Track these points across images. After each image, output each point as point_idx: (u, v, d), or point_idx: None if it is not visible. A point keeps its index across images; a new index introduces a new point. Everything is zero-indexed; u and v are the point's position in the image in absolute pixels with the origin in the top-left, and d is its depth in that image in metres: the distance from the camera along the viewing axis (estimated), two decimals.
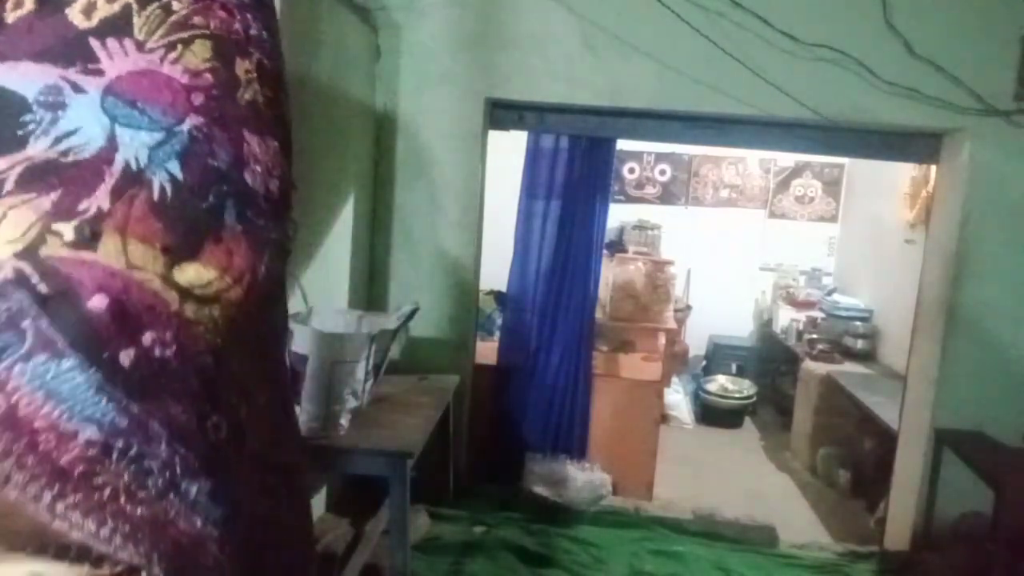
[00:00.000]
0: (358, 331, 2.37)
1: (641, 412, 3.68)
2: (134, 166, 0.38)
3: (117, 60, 0.39)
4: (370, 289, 3.26)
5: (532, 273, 3.50)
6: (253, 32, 0.44)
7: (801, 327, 5.01)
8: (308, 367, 2.11)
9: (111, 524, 0.31)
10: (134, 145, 0.38)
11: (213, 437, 0.37)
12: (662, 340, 3.93)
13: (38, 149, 0.36)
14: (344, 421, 2.21)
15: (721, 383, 5.32)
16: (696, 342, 5.83)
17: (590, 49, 3.05)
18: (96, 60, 0.39)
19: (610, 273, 3.90)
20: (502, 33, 3.09)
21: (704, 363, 5.74)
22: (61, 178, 0.36)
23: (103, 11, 0.39)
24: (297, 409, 2.11)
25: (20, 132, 0.36)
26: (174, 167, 0.39)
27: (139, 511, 0.32)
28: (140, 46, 0.40)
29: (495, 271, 3.66)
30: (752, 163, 5.91)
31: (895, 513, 3.26)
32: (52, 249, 0.34)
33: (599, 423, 3.60)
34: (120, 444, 0.33)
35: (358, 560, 2.47)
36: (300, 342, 2.11)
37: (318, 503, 2.97)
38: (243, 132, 0.43)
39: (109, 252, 0.35)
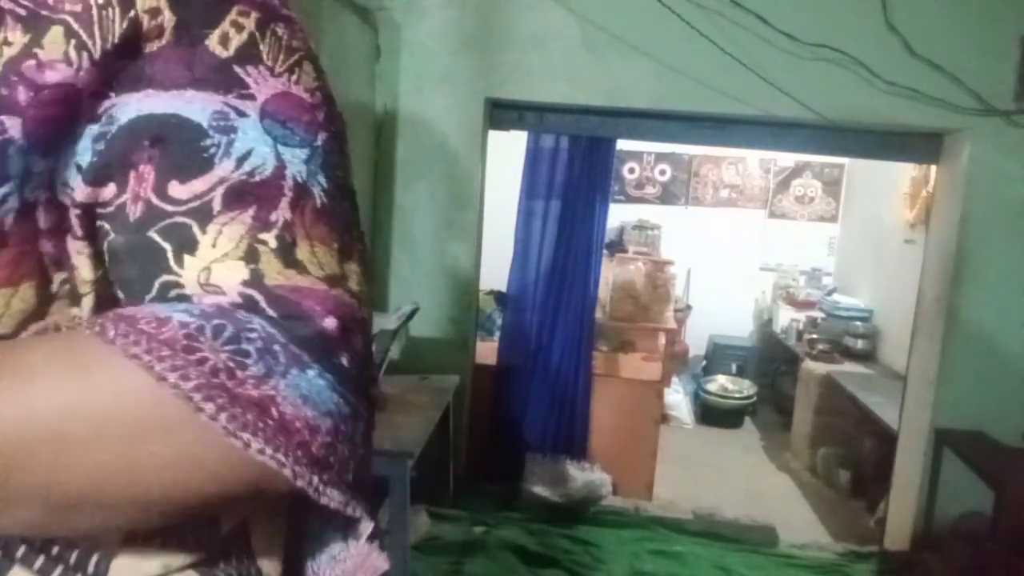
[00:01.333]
0: None
1: (641, 412, 3.68)
2: (300, 179, 0.44)
3: (261, 85, 0.44)
4: (370, 289, 3.26)
5: (532, 273, 3.50)
6: (309, 37, 0.51)
7: (801, 327, 5.01)
8: None
9: (349, 492, 0.40)
10: (295, 161, 0.44)
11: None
12: (662, 340, 3.92)
13: (227, 170, 0.41)
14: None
15: (721, 383, 5.32)
16: (696, 342, 5.83)
17: (590, 49, 3.05)
18: (246, 86, 0.43)
19: (610, 273, 3.90)
20: (502, 33, 3.09)
21: (704, 363, 5.74)
22: (255, 196, 0.42)
23: (236, 40, 0.44)
24: None
25: (205, 155, 0.41)
26: (322, 178, 0.45)
27: (357, 476, 0.42)
28: (271, 71, 0.45)
29: (495, 271, 3.66)
30: (752, 163, 5.91)
31: (895, 513, 3.26)
32: (268, 272, 0.41)
33: (599, 423, 3.60)
34: (345, 428, 0.41)
35: None
36: None
37: None
38: (344, 145, 0.49)
39: (305, 257, 0.43)
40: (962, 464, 2.88)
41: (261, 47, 0.45)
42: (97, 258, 0.43)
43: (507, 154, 3.58)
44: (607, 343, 3.76)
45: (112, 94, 0.41)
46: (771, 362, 5.62)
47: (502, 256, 3.55)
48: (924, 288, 3.23)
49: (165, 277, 0.41)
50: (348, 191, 0.48)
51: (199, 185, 0.41)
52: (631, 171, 5.91)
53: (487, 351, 3.56)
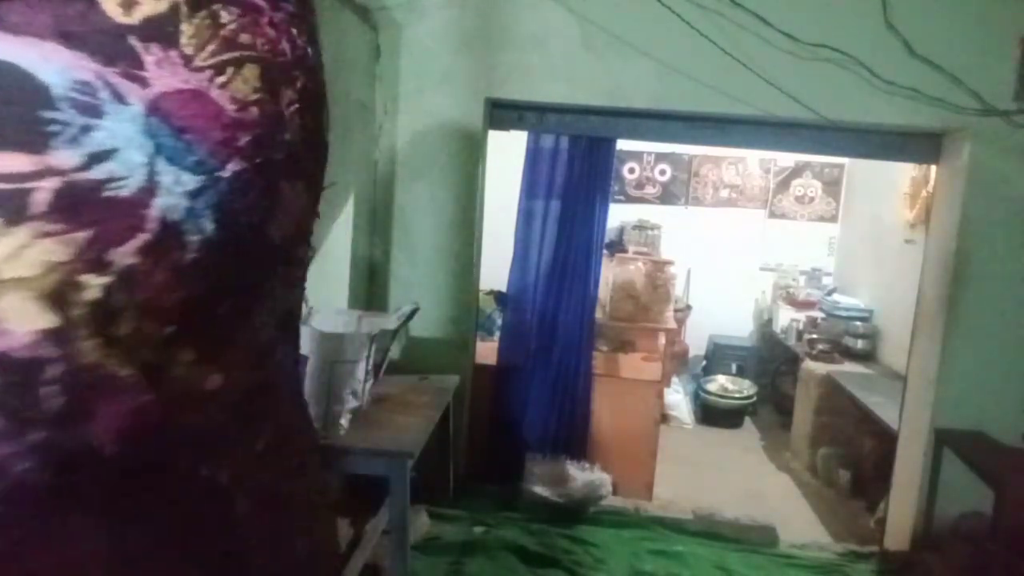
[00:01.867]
0: (358, 331, 2.37)
1: (641, 412, 3.68)
2: (170, 217, 0.29)
3: (165, 71, 0.31)
4: (370, 289, 3.26)
5: (532, 273, 3.50)
6: (299, 50, 0.39)
7: (801, 327, 5.01)
8: (308, 367, 2.11)
9: None
10: (174, 190, 0.30)
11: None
12: (662, 340, 3.93)
13: (66, 162, 0.28)
14: (344, 421, 2.21)
15: (721, 383, 5.32)
16: (696, 342, 5.83)
17: (590, 49, 3.05)
18: (140, 65, 0.31)
19: (610, 273, 3.90)
20: (502, 33, 3.09)
21: (704, 363, 5.74)
22: (97, 215, 0.28)
23: (148, 8, 0.31)
24: None
25: (39, 129, 0.28)
26: (208, 224, 0.30)
27: None
28: (188, 60, 0.32)
29: (495, 271, 3.66)
30: (752, 163, 5.91)
31: (895, 513, 3.26)
32: (75, 335, 0.27)
33: (599, 423, 3.60)
34: None
35: (358, 560, 2.47)
36: (300, 342, 2.10)
37: None
38: (279, 181, 0.36)
39: (127, 332, 0.28)
40: (962, 464, 2.88)
41: (183, 26, 0.33)
42: None
43: (507, 154, 3.58)
44: (607, 343, 3.76)
45: None
46: (771, 362, 5.62)
47: (502, 256, 3.55)
48: (924, 288, 3.23)
49: None
50: (259, 245, 0.31)
51: (17, 163, 0.28)
52: (631, 171, 5.91)
53: (487, 351, 3.56)
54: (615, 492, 3.50)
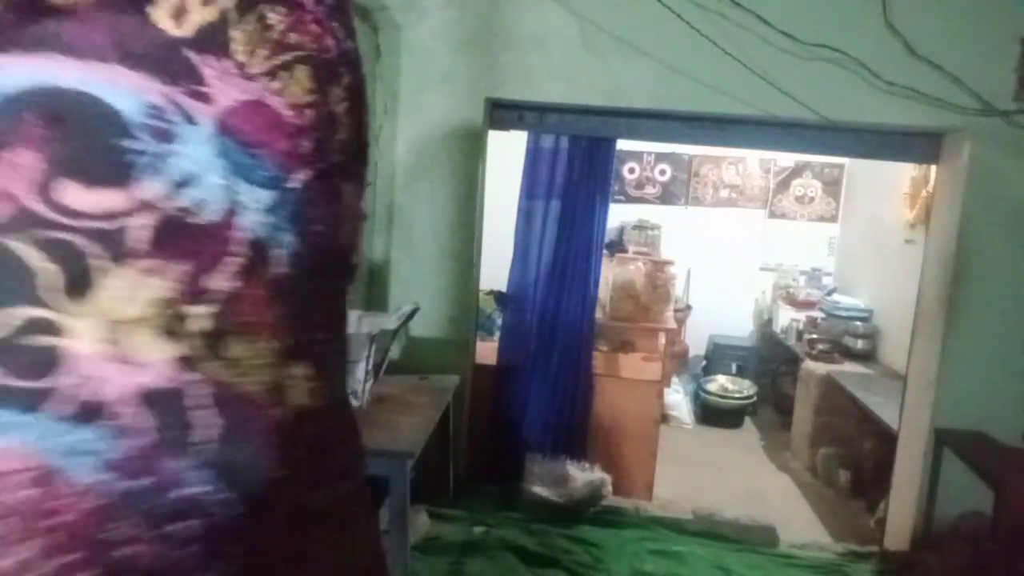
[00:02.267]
0: (358, 331, 2.37)
1: (641, 412, 3.68)
2: (255, 236, 0.31)
3: (225, 84, 0.32)
4: (370, 289, 3.26)
5: (532, 273, 3.50)
6: (342, 44, 0.39)
7: (801, 327, 5.01)
8: None
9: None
10: (253, 208, 0.31)
11: None
12: (662, 340, 3.93)
13: (154, 193, 0.29)
14: None
15: (721, 383, 5.32)
16: (696, 342, 5.83)
17: (590, 49, 3.05)
18: (201, 80, 0.31)
19: (610, 273, 3.90)
20: (502, 33, 3.09)
21: (704, 363, 5.74)
22: (191, 245, 0.30)
23: (198, 17, 0.31)
24: None
25: (123, 160, 0.29)
26: (289, 237, 0.32)
27: None
28: (242, 69, 0.33)
29: (495, 271, 3.66)
30: (752, 163, 5.91)
31: (895, 513, 3.26)
32: (197, 361, 0.29)
33: (599, 423, 3.60)
34: None
35: None
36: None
37: None
38: (340, 185, 0.37)
39: (239, 353, 0.30)
40: (962, 464, 2.88)
41: (232, 32, 0.33)
42: None
43: (507, 154, 3.58)
44: (607, 343, 3.76)
45: None
46: (771, 362, 5.62)
47: (502, 256, 3.55)
48: (924, 288, 3.23)
49: (32, 312, 0.28)
50: (334, 259, 0.35)
51: (112, 200, 0.29)
52: (631, 171, 5.91)
53: (487, 351, 3.56)
54: (615, 492, 3.50)
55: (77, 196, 0.28)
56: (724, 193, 5.95)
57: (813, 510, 3.86)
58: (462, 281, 3.28)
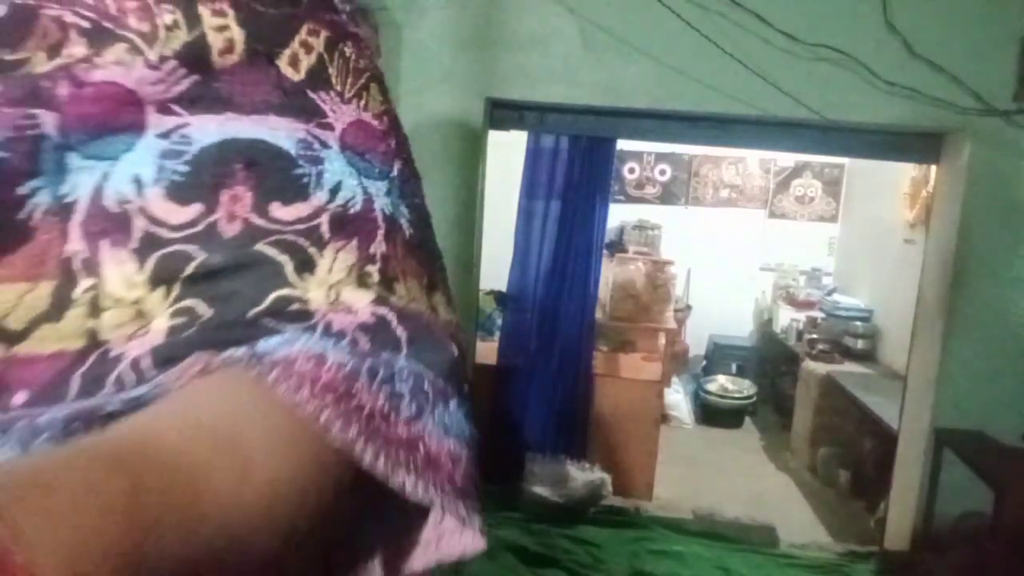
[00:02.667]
0: None
1: (641, 412, 3.68)
2: (387, 212, 0.44)
3: (337, 113, 0.44)
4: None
5: (532, 273, 3.50)
6: (377, 58, 0.49)
7: (801, 327, 5.01)
8: None
9: (476, 503, 0.42)
10: (379, 194, 0.44)
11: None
12: (662, 340, 3.93)
13: (322, 200, 0.42)
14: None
15: (721, 383, 5.32)
16: (696, 342, 5.83)
17: (590, 49, 3.05)
18: (323, 114, 0.43)
19: (610, 273, 3.91)
20: (502, 33, 3.09)
21: (704, 363, 5.74)
22: (355, 228, 0.43)
23: (305, 62, 0.43)
24: None
25: (300, 183, 0.42)
26: (405, 209, 0.46)
27: (463, 481, 0.41)
28: (341, 96, 0.44)
29: (495, 271, 3.66)
30: (752, 163, 5.91)
31: (895, 513, 3.26)
32: (394, 296, 0.43)
33: (599, 423, 3.60)
34: (474, 452, 0.42)
35: None
36: None
37: None
38: (415, 169, 0.49)
39: (402, 292, 0.44)
40: (962, 464, 2.88)
41: (330, 70, 0.44)
42: (135, 270, 0.39)
43: (507, 154, 3.58)
44: (607, 343, 3.76)
45: (184, 112, 0.40)
46: (771, 362, 5.62)
47: (502, 256, 3.55)
48: (924, 288, 3.23)
49: (283, 291, 0.40)
50: (427, 218, 0.49)
51: (303, 209, 0.41)
52: (631, 171, 5.91)
53: (487, 351, 3.57)
54: (615, 492, 3.50)
55: (282, 211, 0.41)
56: (724, 193, 5.95)
57: (813, 510, 3.86)
58: (462, 281, 3.28)
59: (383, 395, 0.37)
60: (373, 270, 0.42)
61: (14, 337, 0.37)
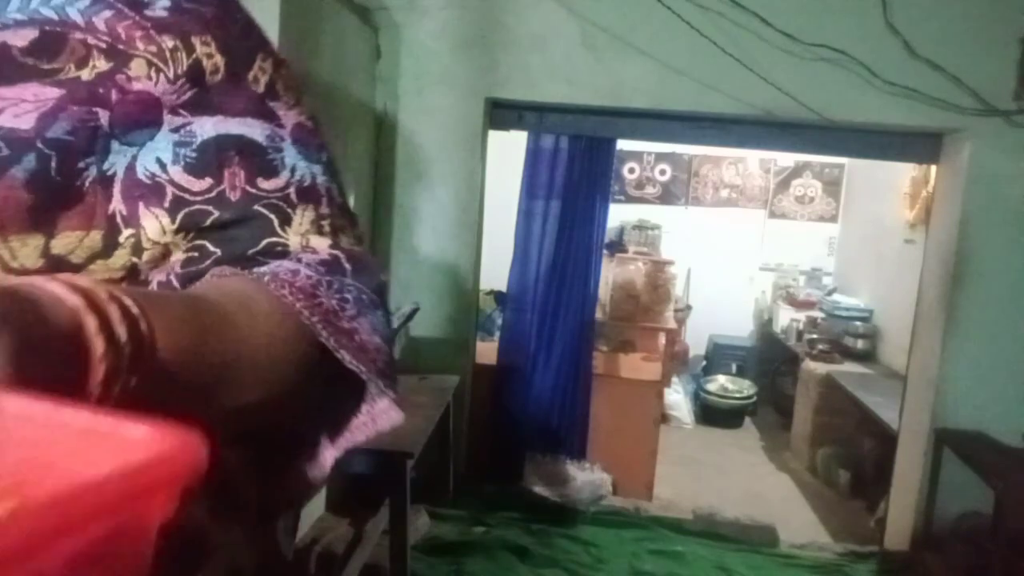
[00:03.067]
0: None
1: (641, 412, 3.68)
2: (325, 186, 0.63)
3: (285, 117, 0.61)
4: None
5: (532, 273, 3.50)
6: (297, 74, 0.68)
7: (801, 327, 5.01)
8: None
9: (393, 387, 0.58)
10: (319, 174, 0.62)
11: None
12: (662, 340, 3.93)
13: (287, 177, 0.60)
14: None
15: (721, 383, 5.32)
16: (696, 342, 5.83)
17: (590, 49, 3.05)
18: (278, 118, 0.61)
19: (610, 273, 3.90)
20: (502, 33, 3.09)
21: (704, 363, 5.74)
22: (310, 196, 0.61)
23: (263, 80, 0.61)
24: None
25: (272, 164, 0.59)
26: (333, 185, 0.64)
27: (383, 364, 0.58)
28: (287, 105, 0.62)
29: (495, 271, 3.66)
30: (752, 163, 5.91)
31: (895, 513, 3.26)
32: (342, 242, 0.62)
33: (599, 423, 3.60)
34: (392, 348, 0.61)
35: (358, 560, 2.47)
36: None
37: (318, 503, 2.97)
38: (332, 153, 0.66)
39: (345, 239, 0.63)
40: (962, 464, 2.88)
41: (278, 87, 0.62)
42: (168, 223, 0.56)
43: (507, 154, 3.58)
44: (607, 343, 3.76)
45: (187, 114, 0.56)
46: (771, 362, 5.62)
47: (502, 256, 3.55)
48: (924, 288, 3.23)
49: (272, 239, 0.58)
50: (345, 190, 0.68)
51: (278, 183, 0.59)
52: (631, 171, 5.91)
53: (487, 351, 3.56)
54: (615, 492, 3.50)
55: (266, 184, 0.58)
56: (724, 193, 5.95)
57: (813, 510, 3.86)
58: (462, 281, 3.28)
59: (335, 299, 0.55)
60: (326, 224, 0.61)
61: (75, 268, 0.52)
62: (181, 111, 0.56)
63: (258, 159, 0.58)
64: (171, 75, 0.55)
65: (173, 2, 0.58)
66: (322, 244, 0.60)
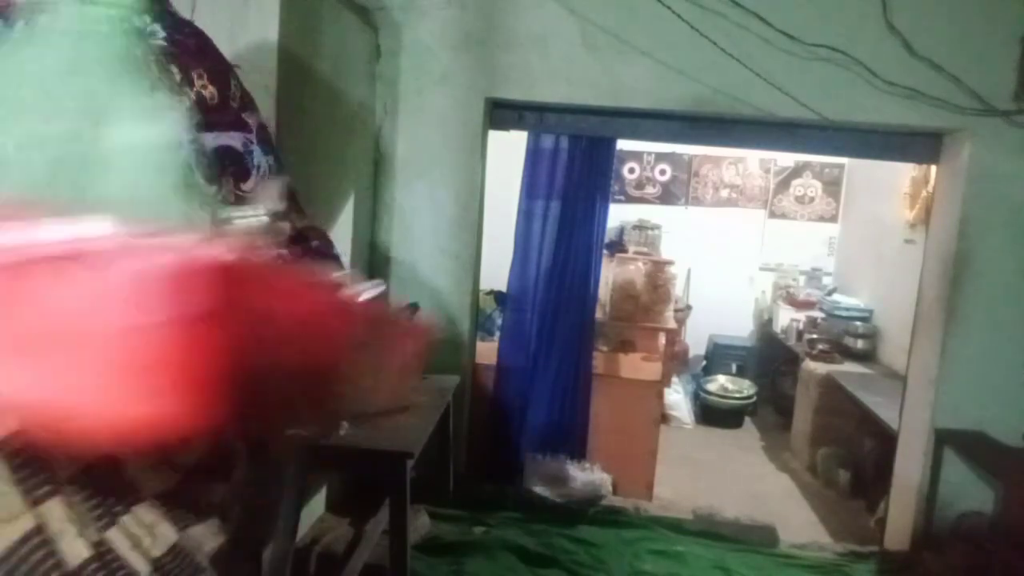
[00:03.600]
0: None
1: (641, 412, 3.68)
2: (279, 175, 0.85)
3: (251, 123, 0.82)
4: None
5: (532, 273, 3.49)
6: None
7: (801, 327, 5.01)
8: None
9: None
10: (273, 165, 0.83)
11: None
12: (662, 340, 3.92)
13: (257, 177, 0.80)
14: (344, 422, 2.21)
15: (721, 383, 5.32)
16: (696, 342, 5.83)
17: (590, 49, 3.05)
18: (248, 126, 0.82)
19: (610, 273, 3.90)
20: (502, 33, 3.09)
21: (704, 363, 5.74)
22: (271, 182, 0.81)
23: (238, 93, 0.81)
24: None
25: (248, 166, 0.79)
26: (283, 173, 0.86)
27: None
28: (251, 112, 0.83)
29: (495, 271, 3.66)
30: (752, 163, 5.91)
31: (895, 513, 3.26)
32: (299, 221, 0.86)
33: (599, 423, 3.60)
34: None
35: (358, 560, 2.47)
36: None
37: (318, 503, 2.97)
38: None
39: (303, 220, 0.89)
40: (962, 464, 2.88)
41: (244, 99, 0.83)
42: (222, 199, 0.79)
43: (507, 154, 3.57)
44: (607, 343, 3.76)
45: (195, 132, 0.76)
46: (771, 362, 5.62)
47: (502, 256, 3.55)
48: (924, 288, 3.23)
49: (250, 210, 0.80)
50: (284, 166, 0.89)
51: (251, 184, 0.80)
52: (631, 171, 5.91)
53: (487, 351, 3.56)
54: (615, 492, 3.50)
55: (247, 184, 0.80)
56: (724, 193, 5.95)
57: (813, 510, 3.86)
58: (462, 281, 3.28)
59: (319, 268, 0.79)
60: (286, 207, 0.81)
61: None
62: (192, 129, 0.75)
63: (239, 166, 0.78)
64: (187, 104, 0.75)
65: (168, 33, 0.75)
66: (290, 223, 0.84)
